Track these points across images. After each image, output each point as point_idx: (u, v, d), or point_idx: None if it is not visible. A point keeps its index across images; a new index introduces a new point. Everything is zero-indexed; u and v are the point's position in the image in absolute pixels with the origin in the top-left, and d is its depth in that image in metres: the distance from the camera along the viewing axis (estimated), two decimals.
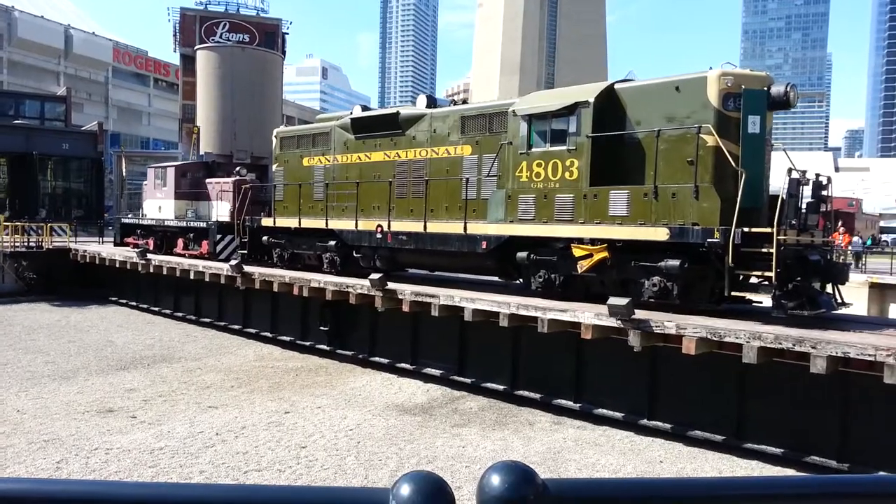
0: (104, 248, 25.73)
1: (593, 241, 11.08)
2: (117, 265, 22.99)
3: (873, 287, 20.56)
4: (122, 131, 68.91)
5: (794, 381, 9.17)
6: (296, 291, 15.65)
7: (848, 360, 8.26)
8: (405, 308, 13.16)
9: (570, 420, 11.36)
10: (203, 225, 21.70)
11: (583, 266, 11.18)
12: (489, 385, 12.83)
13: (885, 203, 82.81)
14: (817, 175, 10.60)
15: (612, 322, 9.85)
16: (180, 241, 22.72)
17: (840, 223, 33.25)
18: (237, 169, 23.97)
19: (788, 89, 10.18)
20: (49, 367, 14.33)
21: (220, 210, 21.41)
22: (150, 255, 21.81)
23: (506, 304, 11.48)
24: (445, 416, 11.53)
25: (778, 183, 11.06)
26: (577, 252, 11.23)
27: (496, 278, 15.12)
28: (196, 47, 38.50)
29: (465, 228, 13.15)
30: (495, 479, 1.34)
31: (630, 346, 9.83)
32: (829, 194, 10.89)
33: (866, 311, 19.20)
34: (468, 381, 13.18)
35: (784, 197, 9.69)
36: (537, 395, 12.05)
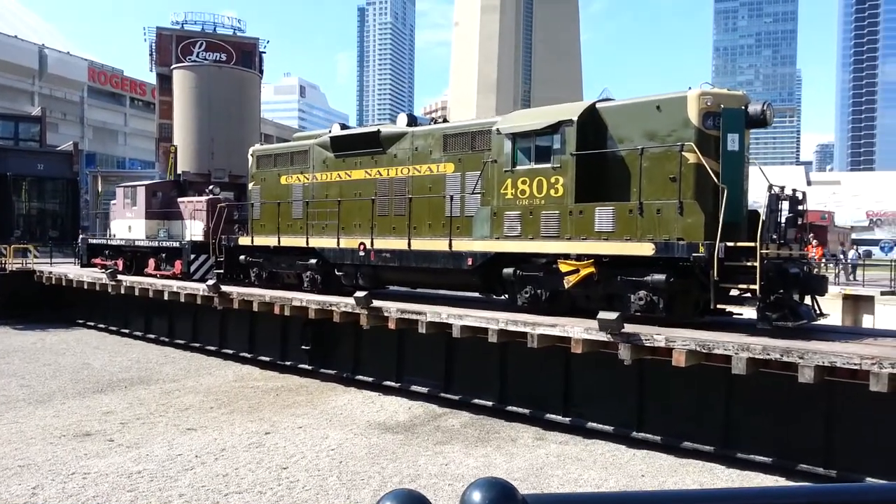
0: (71, 270, 25.25)
1: (580, 257, 11.34)
2: (85, 287, 22.50)
3: (846, 298, 20.91)
4: (98, 151, 68.24)
5: (779, 390, 9.48)
6: (277, 311, 15.55)
7: (833, 369, 8.56)
8: (391, 325, 13.26)
9: (553, 435, 11.41)
10: (176, 244, 21.39)
11: (570, 281, 11.40)
12: (477, 401, 12.95)
13: (855, 216, 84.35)
14: (794, 190, 11.00)
15: (602, 336, 10.08)
16: (151, 262, 22.38)
17: (812, 236, 33.78)
18: (210, 188, 23.77)
19: (765, 108, 10.59)
20: (24, 391, 14.08)
21: (194, 229, 21.13)
22: (120, 276, 21.42)
23: (494, 321, 11.64)
24: (428, 433, 11.49)
25: (753, 198, 11.27)
26: (564, 268, 11.45)
27: (477, 294, 15.18)
28: (172, 66, 38.43)
29: (450, 245, 13.32)
30: (476, 496, 1.37)
31: (619, 359, 10.08)
32: (805, 209, 11.32)
33: (840, 322, 19.52)
34: (455, 397, 13.29)
35: (765, 212, 10.04)
36: (526, 410, 12.22)
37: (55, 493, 8.37)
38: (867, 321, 19.46)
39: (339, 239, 15.54)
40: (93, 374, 16.03)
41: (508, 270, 12.43)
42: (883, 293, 21.39)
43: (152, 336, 20.91)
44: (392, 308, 13.26)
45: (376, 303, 13.58)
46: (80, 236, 28.61)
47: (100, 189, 49.07)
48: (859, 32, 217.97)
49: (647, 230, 10.62)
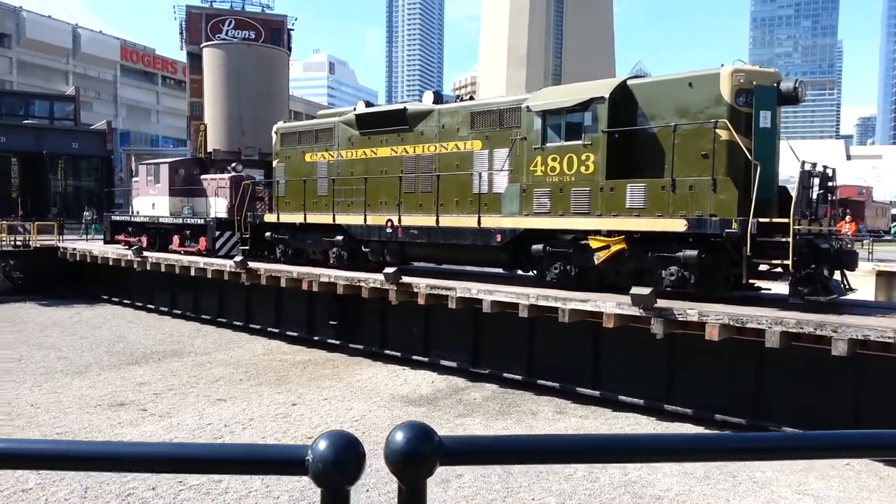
0: (95, 247, 25.68)
1: (610, 233, 11.53)
2: (110, 263, 22.92)
3: (881, 275, 20.60)
4: (130, 129, 69.37)
5: (810, 363, 9.71)
6: (305, 287, 15.86)
7: (866, 343, 8.73)
8: (421, 301, 13.54)
9: (575, 409, 11.65)
10: (200, 221, 21.74)
11: (600, 257, 11.61)
12: (506, 375, 13.26)
13: None
14: (824, 167, 11.08)
15: (635, 311, 10.30)
16: (176, 238, 22.75)
17: (847, 212, 33.18)
18: (233, 165, 24.08)
19: (797, 85, 10.69)
20: (62, 363, 14.63)
21: (218, 206, 21.49)
22: (145, 253, 21.82)
23: (525, 296, 11.89)
24: (450, 406, 11.75)
25: (782, 174, 11.31)
26: (594, 244, 11.66)
27: (500, 270, 15.34)
28: (202, 45, 38.75)
29: (478, 222, 13.56)
30: (399, 436, 1.58)
31: (651, 333, 10.33)
32: (835, 185, 11.41)
33: (874, 299, 19.29)
34: (484, 371, 13.62)
35: (797, 188, 10.18)
36: (556, 384, 12.52)
37: None
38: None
39: (365, 216, 15.75)
40: (127, 346, 16.58)
41: (538, 247, 12.66)
42: None
43: (178, 311, 21.36)
44: (421, 284, 13.53)
45: (405, 279, 13.80)
46: (104, 213, 29.05)
47: (133, 167, 50.03)
48: None
49: (679, 206, 10.80)
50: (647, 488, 8.13)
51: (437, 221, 14.31)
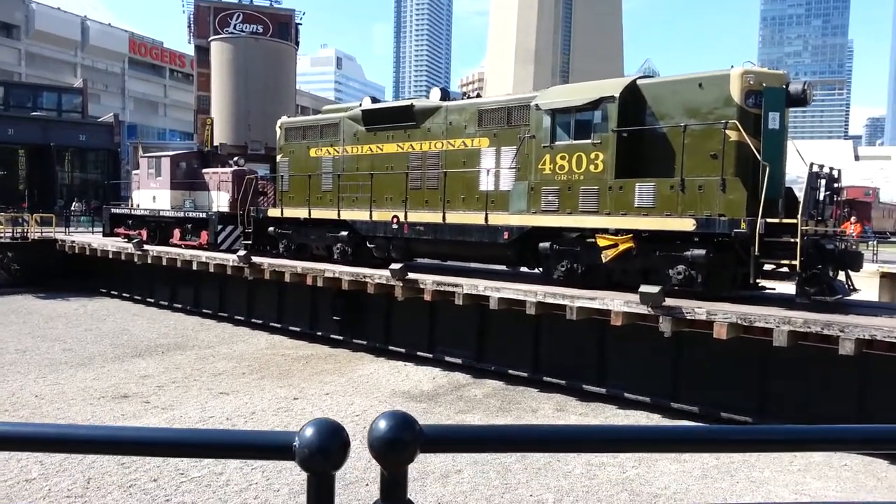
0: (94, 239, 25.63)
1: (618, 232, 11.66)
2: (110, 256, 22.88)
3: (885, 277, 20.58)
4: (138, 122, 69.62)
5: (816, 363, 9.87)
6: (309, 281, 15.93)
7: (872, 342, 8.89)
8: (427, 297, 13.64)
9: (575, 406, 11.71)
10: (203, 215, 21.72)
11: (608, 255, 11.75)
12: (512, 372, 13.40)
13: None
14: (830, 168, 11.25)
15: (643, 309, 10.44)
16: (177, 232, 22.73)
17: (852, 213, 33.07)
18: (235, 159, 24.09)
19: (806, 87, 10.86)
20: (66, 355, 14.75)
21: (221, 200, 21.50)
22: (146, 246, 21.82)
23: (532, 293, 12.00)
24: (450, 402, 11.82)
25: (789, 175, 11.44)
26: (602, 242, 11.80)
27: (504, 267, 15.40)
28: (210, 38, 38.85)
29: (486, 219, 13.67)
30: (381, 424, 1.67)
31: (659, 332, 10.48)
32: (840, 186, 11.59)
33: (877, 300, 19.27)
34: (490, 367, 13.74)
35: (805, 189, 10.34)
36: (561, 381, 12.67)
37: None
38: None
39: (371, 212, 15.80)
40: (131, 339, 16.69)
41: (545, 244, 12.79)
42: None
43: (178, 305, 21.38)
44: (428, 280, 13.62)
45: (411, 275, 13.87)
46: (103, 206, 28.84)
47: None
48: None
49: (688, 206, 10.94)
50: (644, 486, 8.18)
51: (444, 218, 14.43)
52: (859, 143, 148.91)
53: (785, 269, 10.70)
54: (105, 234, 26.53)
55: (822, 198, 10.81)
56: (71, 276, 25.26)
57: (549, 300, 11.69)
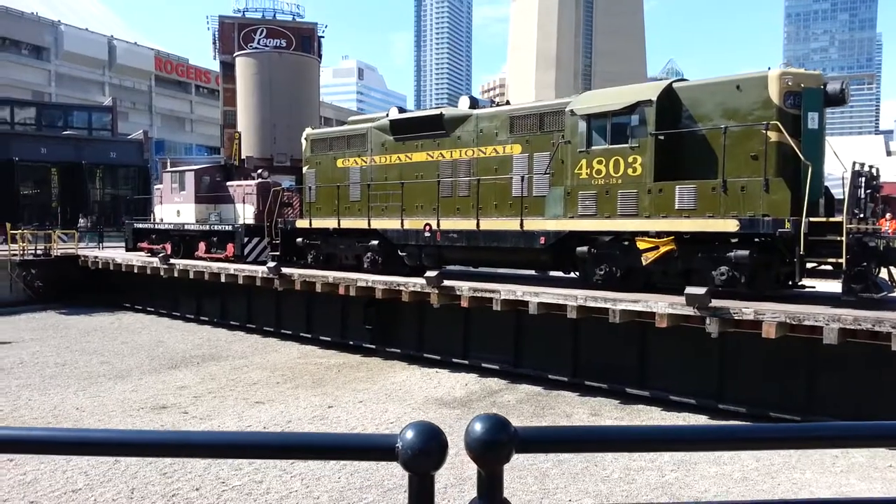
0: (117, 254, 25.92)
1: (659, 234, 11.79)
2: (135, 270, 23.07)
3: None
4: (166, 138, 70.75)
5: (863, 360, 9.99)
6: (341, 291, 16.09)
7: None
8: (464, 304, 13.81)
9: (610, 410, 11.68)
10: (228, 228, 21.94)
11: (648, 258, 11.90)
12: (551, 377, 13.53)
13: None
14: (871, 167, 11.41)
15: (688, 311, 10.57)
16: (202, 245, 22.94)
17: (886, 209, 32.48)
18: (259, 171, 24.31)
19: (844, 87, 11.09)
20: (104, 367, 15.04)
21: (246, 213, 21.72)
22: (172, 260, 22.03)
23: (572, 297, 12.15)
24: (483, 409, 11.86)
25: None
26: (642, 245, 11.95)
27: (533, 272, 15.45)
28: (235, 54, 39.47)
29: (521, 225, 13.82)
30: (478, 426, 1.75)
31: (707, 332, 10.58)
32: (879, 184, 11.74)
33: None
34: (528, 372, 13.86)
35: (849, 187, 10.48)
36: (602, 385, 12.80)
37: (136, 460, 9.00)
38: None
39: (402, 220, 15.94)
40: (167, 351, 16.97)
41: (582, 249, 12.95)
42: None
43: (205, 318, 21.58)
44: (464, 287, 13.79)
45: (446, 282, 13.98)
46: (126, 221, 28.92)
47: None
48: None
49: (730, 207, 11.07)
50: (684, 490, 8.14)
51: (478, 225, 14.59)
52: (890, 138, 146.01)
53: (827, 267, 10.79)
54: (128, 249, 26.80)
55: (862, 195, 10.91)
56: (94, 292, 25.47)
57: (591, 304, 11.82)
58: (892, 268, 11.05)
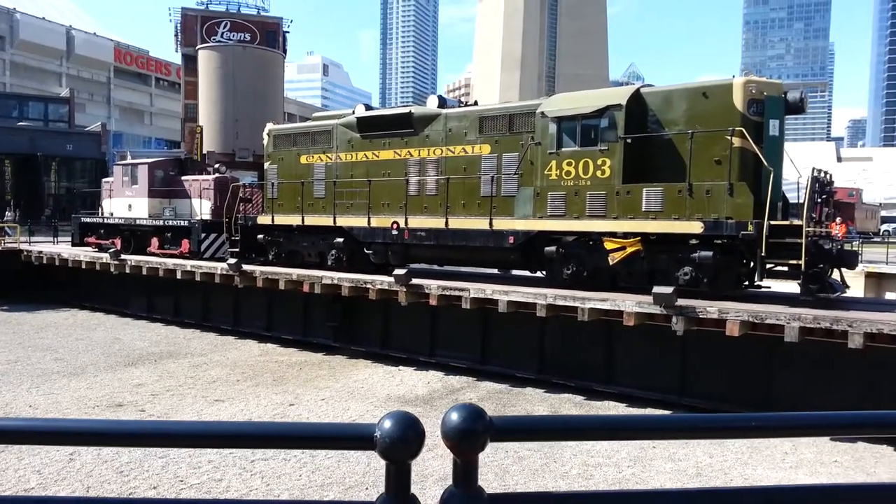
0: (64, 249, 25.01)
1: (626, 235, 12.18)
2: (83, 266, 22.33)
3: (869, 276, 20.89)
4: (124, 131, 69.34)
5: (818, 356, 10.54)
6: (306, 289, 16.00)
7: (874, 336, 9.55)
8: (432, 302, 13.96)
9: (569, 408, 11.78)
10: (184, 223, 21.48)
11: (615, 258, 12.29)
12: (518, 374, 13.75)
13: (887, 193, 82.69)
14: (826, 172, 12.05)
15: (655, 309, 10.97)
16: (155, 241, 22.39)
17: (837, 214, 33.47)
18: (216, 166, 23.83)
19: (803, 96, 11.65)
20: (59, 364, 14.70)
21: (203, 208, 21.28)
22: (123, 256, 21.43)
23: (542, 296, 12.42)
24: (445, 406, 11.88)
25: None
26: (610, 245, 12.35)
27: (495, 270, 15.54)
28: (198, 47, 38.90)
29: (490, 224, 14.05)
30: (454, 416, 1.76)
31: (667, 330, 11.01)
32: (833, 189, 12.45)
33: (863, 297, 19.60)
34: (494, 369, 14.07)
35: (807, 192, 10.97)
36: (569, 382, 13.10)
37: (91, 459, 8.86)
38: (889, 298, 19.44)
39: (369, 217, 15.87)
40: (123, 348, 16.66)
41: (551, 248, 13.25)
42: None
43: (157, 316, 21.08)
44: (433, 285, 13.94)
45: (414, 280, 13.99)
46: (72, 215, 27.75)
47: None
48: None
49: (696, 210, 11.53)
50: (640, 485, 8.28)
51: (447, 223, 14.71)
52: (842, 145, 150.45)
53: (783, 269, 11.29)
54: (74, 244, 25.81)
55: (818, 200, 11.48)
56: (37, 288, 24.50)
57: (560, 302, 12.12)
58: (844, 269, 11.61)
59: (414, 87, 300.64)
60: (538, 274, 14.75)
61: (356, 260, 16.80)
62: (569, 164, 12.88)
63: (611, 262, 12.32)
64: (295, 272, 16.66)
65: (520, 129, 13.92)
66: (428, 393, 12.92)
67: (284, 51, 44.15)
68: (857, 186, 62.39)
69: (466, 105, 16.47)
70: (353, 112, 17.24)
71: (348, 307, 16.21)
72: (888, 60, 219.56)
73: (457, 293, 13.51)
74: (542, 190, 13.24)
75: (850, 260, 11.62)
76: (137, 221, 22.84)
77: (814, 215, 11.10)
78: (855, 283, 18.58)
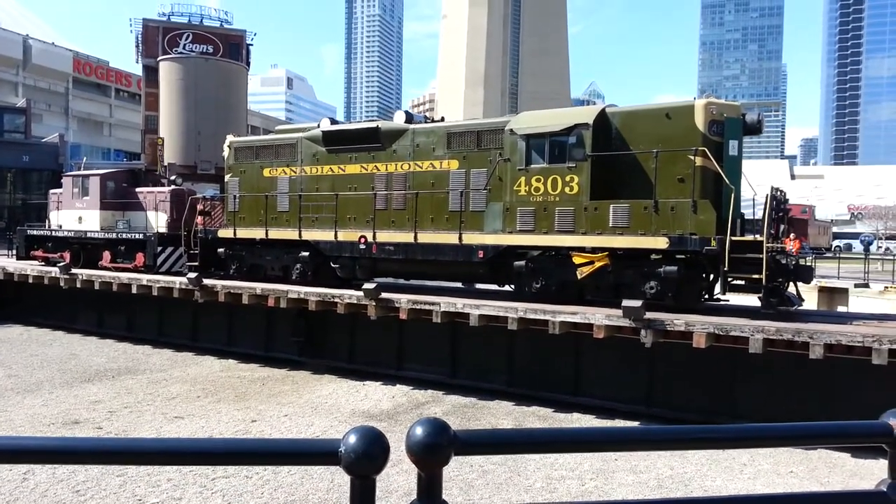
0: (9, 263, 24.23)
1: (594, 250, 12.56)
2: (30, 280, 21.59)
3: (822, 290, 21.42)
4: (83, 142, 67.75)
5: (781, 367, 11.00)
6: (271, 303, 15.87)
7: (832, 347, 10.08)
8: (402, 316, 14.13)
9: (533, 421, 11.76)
10: (139, 236, 20.97)
11: (583, 272, 12.67)
12: (486, 386, 13.94)
13: (837, 210, 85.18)
14: (781, 191, 12.72)
15: (624, 322, 11.35)
16: (107, 254, 21.72)
17: (790, 230, 34.40)
18: (173, 178, 23.41)
19: (760, 118, 12.31)
20: (12, 381, 14.32)
21: (159, 221, 20.86)
22: (74, 269, 20.76)
23: (513, 309, 12.71)
24: (410, 420, 11.81)
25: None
26: (578, 260, 12.74)
27: (460, 284, 15.57)
28: (159, 58, 38.40)
29: (460, 239, 14.31)
30: (418, 430, 1.76)
31: (635, 342, 11.35)
32: (787, 207, 13.17)
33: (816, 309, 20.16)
34: (464, 382, 14.23)
35: (766, 210, 11.52)
36: (537, 393, 13.34)
37: (46, 478, 8.62)
38: (841, 311, 20.03)
39: (336, 231, 15.81)
40: (80, 364, 16.28)
41: (520, 263, 13.58)
42: (856, 285, 22.07)
43: (110, 331, 20.46)
44: (403, 299, 14.06)
45: (384, 294, 14.01)
46: (18, 227, 26.65)
47: None
48: (844, 28, 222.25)
49: (661, 226, 12.02)
50: (602, 497, 8.36)
51: (416, 238, 14.86)
52: (795, 163, 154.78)
53: (740, 283, 11.80)
54: (20, 258, 24.86)
55: (774, 217, 12.08)
56: None
57: (531, 315, 12.42)
58: (799, 283, 12.27)
59: (379, 101, 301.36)
60: (506, 287, 14.97)
61: (321, 274, 16.83)
62: (538, 180, 13.25)
63: (579, 277, 12.71)
64: (259, 286, 16.47)
65: (488, 146, 14.25)
66: (393, 407, 12.86)
67: (248, 63, 43.88)
68: (810, 203, 64.21)
69: (433, 121, 16.59)
70: (319, 126, 17.20)
71: (314, 322, 16.09)
72: (837, 82, 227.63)
73: (427, 307, 13.68)
74: (512, 205, 13.58)
75: (806, 275, 12.23)
76: (88, 234, 22.18)
77: (771, 231, 11.67)
78: (809, 297, 19.11)
